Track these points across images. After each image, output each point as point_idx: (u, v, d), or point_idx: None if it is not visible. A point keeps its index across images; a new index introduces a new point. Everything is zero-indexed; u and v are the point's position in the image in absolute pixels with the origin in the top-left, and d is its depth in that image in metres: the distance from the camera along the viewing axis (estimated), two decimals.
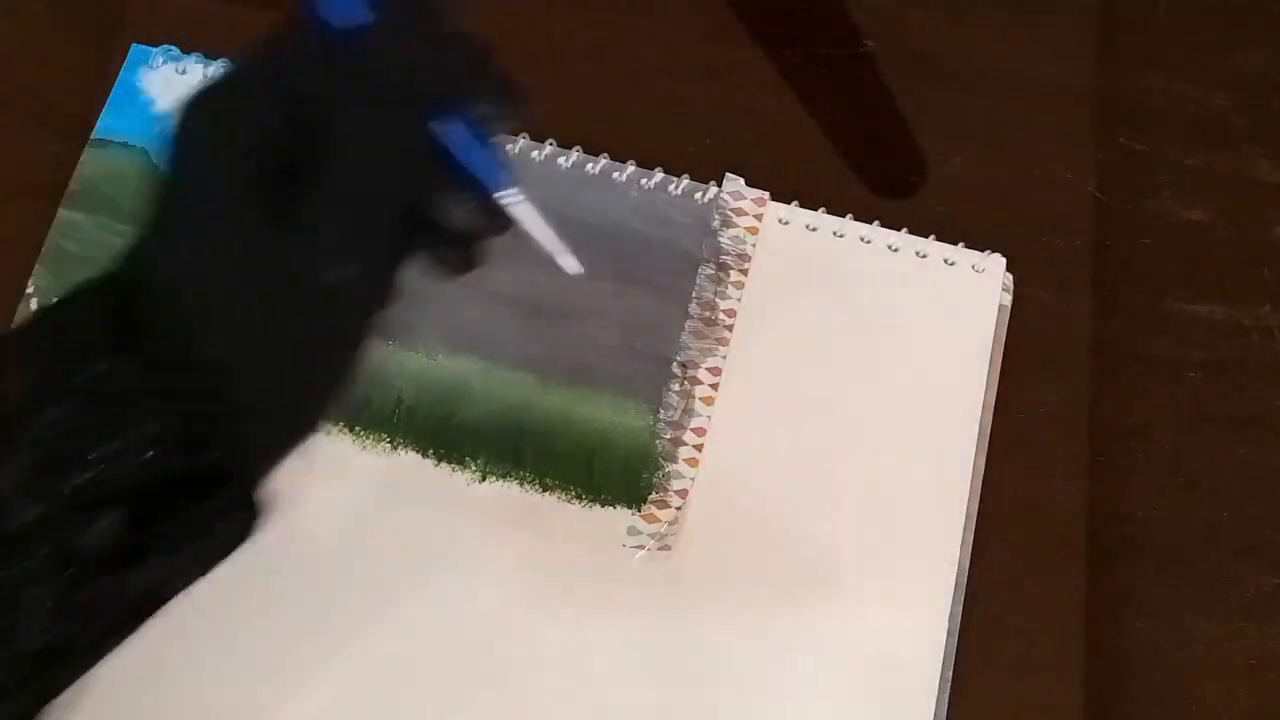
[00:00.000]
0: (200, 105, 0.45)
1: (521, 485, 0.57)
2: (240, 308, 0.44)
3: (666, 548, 0.57)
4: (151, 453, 0.43)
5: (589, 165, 0.63)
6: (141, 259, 0.45)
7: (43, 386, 0.44)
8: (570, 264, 0.47)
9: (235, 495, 0.45)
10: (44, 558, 0.43)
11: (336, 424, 0.59)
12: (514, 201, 0.46)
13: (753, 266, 0.62)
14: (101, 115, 0.62)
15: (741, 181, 0.63)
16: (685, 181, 0.63)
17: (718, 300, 0.61)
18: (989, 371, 0.61)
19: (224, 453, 0.44)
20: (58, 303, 0.45)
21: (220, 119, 0.45)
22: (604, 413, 0.58)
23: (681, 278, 0.60)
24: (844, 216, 0.63)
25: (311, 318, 0.45)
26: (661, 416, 0.59)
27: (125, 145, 0.61)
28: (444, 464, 0.57)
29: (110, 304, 0.45)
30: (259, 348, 0.44)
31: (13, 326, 0.48)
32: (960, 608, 0.58)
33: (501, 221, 0.46)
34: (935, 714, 0.56)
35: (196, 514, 0.44)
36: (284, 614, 0.55)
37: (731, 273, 0.62)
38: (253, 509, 0.45)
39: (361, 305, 0.45)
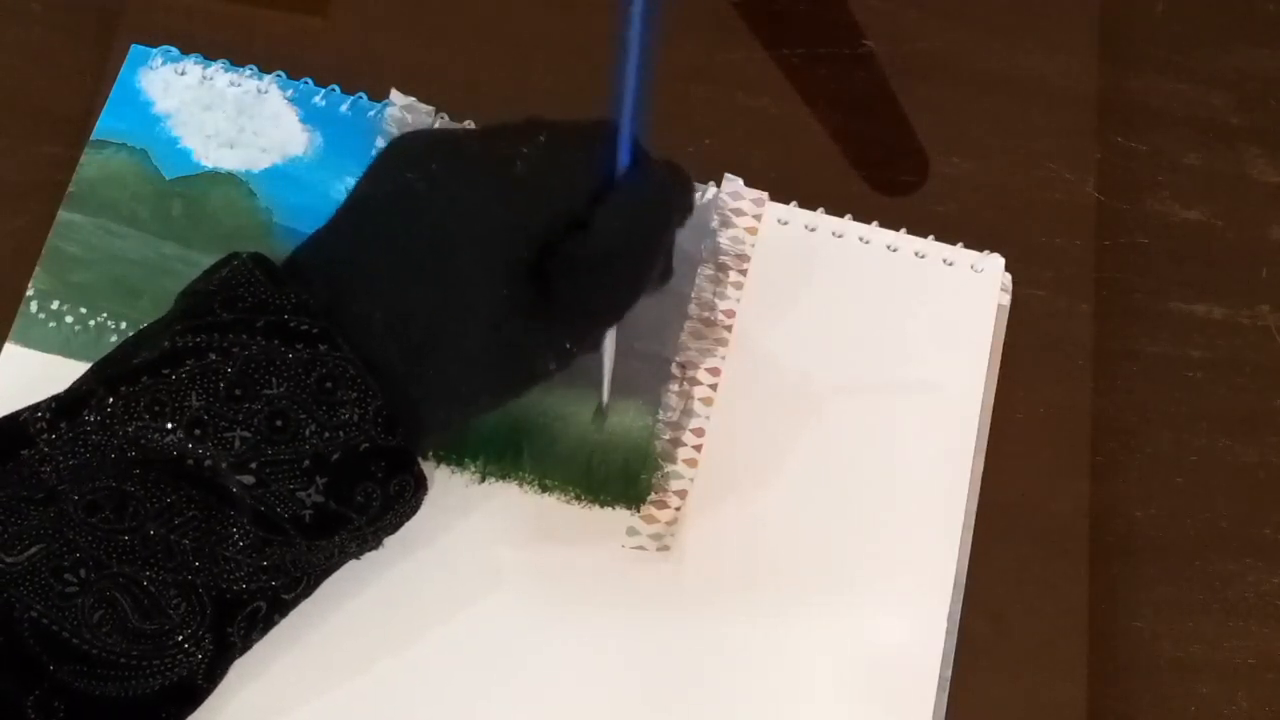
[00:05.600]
0: (475, 159, 0.51)
1: (521, 486, 0.57)
2: (451, 335, 0.49)
3: (665, 548, 0.57)
4: (356, 433, 0.47)
5: None
6: (355, 266, 0.50)
7: (261, 363, 0.47)
8: (602, 400, 0.57)
9: (413, 476, 0.49)
10: (244, 525, 0.47)
11: None
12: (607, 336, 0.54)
13: (752, 267, 0.62)
14: (101, 116, 0.61)
15: (740, 182, 0.63)
16: None
17: (717, 301, 0.61)
18: (988, 371, 0.61)
19: (404, 438, 0.48)
20: (273, 281, 0.49)
21: (494, 182, 0.50)
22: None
23: (680, 278, 0.60)
24: (843, 217, 0.63)
25: (505, 374, 0.51)
26: (660, 417, 0.59)
27: (125, 146, 0.61)
28: (443, 465, 0.57)
29: (320, 291, 0.49)
30: (451, 365, 0.49)
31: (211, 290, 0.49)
32: (960, 608, 0.58)
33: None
34: (935, 714, 0.56)
35: (385, 491, 0.48)
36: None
37: (730, 273, 0.62)
38: (424, 488, 0.50)
39: (547, 377, 0.52)
